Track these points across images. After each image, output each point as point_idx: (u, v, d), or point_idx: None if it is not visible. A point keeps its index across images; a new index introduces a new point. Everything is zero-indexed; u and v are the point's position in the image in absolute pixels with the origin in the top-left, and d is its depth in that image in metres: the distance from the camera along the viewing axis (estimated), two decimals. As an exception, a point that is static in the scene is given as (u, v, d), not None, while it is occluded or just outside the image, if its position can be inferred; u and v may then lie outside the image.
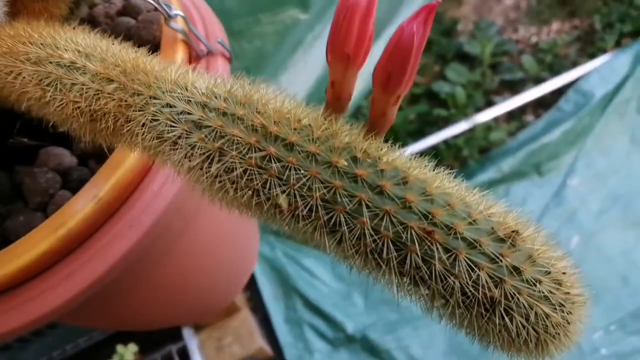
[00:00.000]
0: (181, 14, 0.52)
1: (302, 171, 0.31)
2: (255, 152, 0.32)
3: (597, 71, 1.82)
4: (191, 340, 1.33)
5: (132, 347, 1.21)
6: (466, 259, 0.30)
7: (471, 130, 1.82)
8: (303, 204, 0.31)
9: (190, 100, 0.35)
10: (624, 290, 1.50)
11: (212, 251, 0.66)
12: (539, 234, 0.32)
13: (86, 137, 0.38)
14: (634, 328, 1.44)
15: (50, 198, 0.48)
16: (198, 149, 0.33)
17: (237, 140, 0.33)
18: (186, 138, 0.34)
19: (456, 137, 1.82)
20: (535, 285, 0.30)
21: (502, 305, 0.29)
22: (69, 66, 0.38)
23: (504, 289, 0.29)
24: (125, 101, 0.36)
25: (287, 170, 0.32)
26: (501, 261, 0.30)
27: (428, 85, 2.04)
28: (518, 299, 0.30)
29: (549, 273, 0.31)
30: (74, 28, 0.42)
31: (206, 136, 0.33)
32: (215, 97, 0.35)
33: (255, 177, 0.32)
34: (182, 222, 0.54)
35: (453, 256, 0.30)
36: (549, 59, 2.03)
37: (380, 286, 0.33)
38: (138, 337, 1.30)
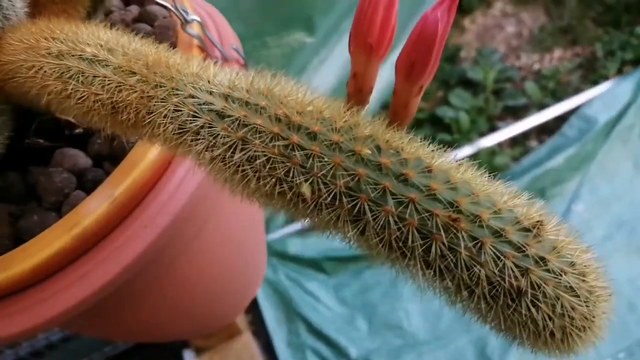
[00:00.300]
0: (197, 19, 0.53)
1: (325, 159, 0.31)
2: (278, 140, 0.32)
3: (600, 98, 1.83)
4: (193, 363, 1.31)
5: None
6: (492, 248, 0.29)
7: (475, 155, 1.83)
8: (326, 192, 0.31)
9: (212, 92, 0.35)
10: (631, 317, 1.48)
11: (221, 258, 0.66)
12: (563, 227, 0.31)
13: (106, 130, 0.38)
14: (643, 356, 1.42)
15: (65, 198, 0.48)
16: (221, 138, 0.33)
17: (260, 129, 0.33)
18: (209, 128, 0.34)
19: (460, 161, 1.82)
20: (561, 276, 0.29)
21: (529, 296, 0.29)
22: (90, 59, 0.38)
23: (531, 279, 0.29)
24: (147, 93, 0.36)
25: (310, 159, 0.32)
26: (527, 251, 0.29)
27: (432, 110, 2.05)
28: (544, 289, 0.29)
29: (574, 264, 0.30)
30: (95, 25, 0.42)
31: (229, 125, 0.33)
32: (238, 89, 0.35)
33: (279, 166, 0.32)
34: (195, 224, 0.53)
35: (479, 245, 0.29)
36: (551, 85, 2.05)
37: (403, 281, 0.33)
38: (139, 358, 1.28)
